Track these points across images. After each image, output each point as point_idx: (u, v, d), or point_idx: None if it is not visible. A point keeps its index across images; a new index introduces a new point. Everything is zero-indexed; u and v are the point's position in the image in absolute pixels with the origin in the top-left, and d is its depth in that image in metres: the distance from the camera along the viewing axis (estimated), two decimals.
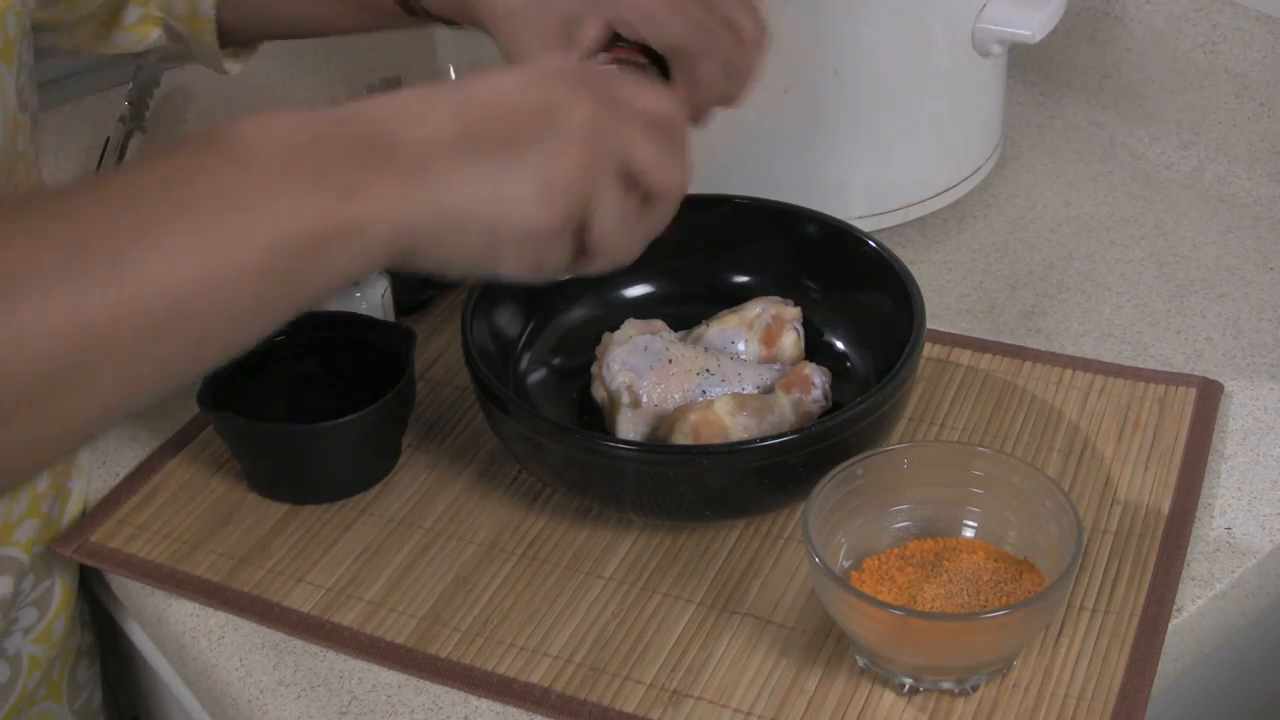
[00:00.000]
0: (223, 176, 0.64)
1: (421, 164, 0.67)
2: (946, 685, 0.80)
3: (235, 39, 1.02)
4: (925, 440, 0.95)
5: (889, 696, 0.80)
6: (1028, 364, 1.01)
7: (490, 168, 0.68)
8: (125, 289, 0.61)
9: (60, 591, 0.96)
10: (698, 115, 0.87)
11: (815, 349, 0.97)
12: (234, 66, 1.05)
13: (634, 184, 0.73)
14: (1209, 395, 0.97)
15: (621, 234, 0.74)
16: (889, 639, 0.78)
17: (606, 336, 0.94)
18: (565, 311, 1.01)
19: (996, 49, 1.10)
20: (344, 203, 0.65)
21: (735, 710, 0.80)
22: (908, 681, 0.80)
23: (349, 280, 0.68)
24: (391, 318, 1.02)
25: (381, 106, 0.68)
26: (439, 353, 1.05)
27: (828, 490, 0.82)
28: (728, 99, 0.87)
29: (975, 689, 0.80)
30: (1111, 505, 0.90)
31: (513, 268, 0.72)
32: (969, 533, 0.85)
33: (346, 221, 0.65)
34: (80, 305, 0.60)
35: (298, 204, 0.64)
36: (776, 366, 0.94)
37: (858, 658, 0.82)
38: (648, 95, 0.74)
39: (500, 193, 0.69)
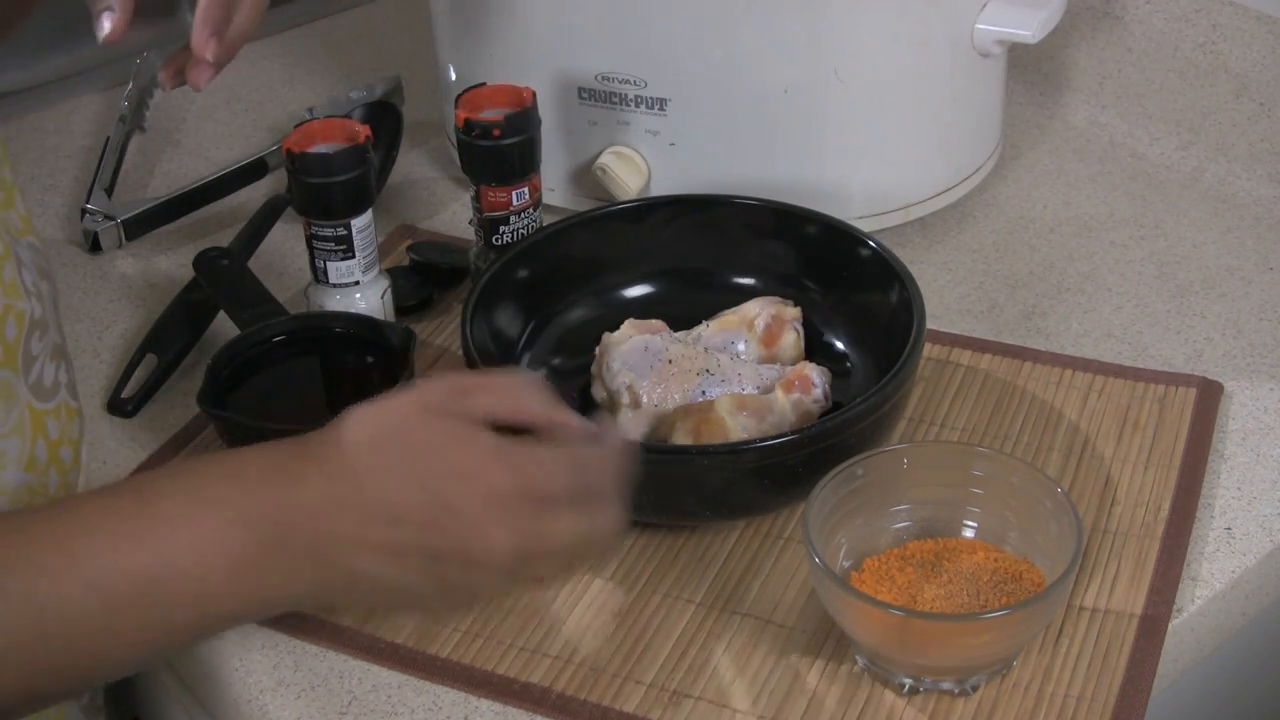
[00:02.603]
0: None
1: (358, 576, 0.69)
2: (946, 685, 0.80)
3: None
4: (925, 440, 0.95)
5: (889, 696, 0.80)
6: (1028, 364, 1.01)
7: (433, 571, 0.70)
8: None
9: None
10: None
11: (815, 349, 0.97)
12: None
13: (568, 504, 0.71)
14: (1209, 395, 0.97)
15: (582, 546, 0.73)
16: (889, 639, 0.78)
17: (606, 336, 0.94)
18: (565, 311, 1.01)
19: (996, 49, 1.10)
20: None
21: (735, 710, 0.80)
22: (908, 681, 0.80)
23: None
24: (391, 318, 1.02)
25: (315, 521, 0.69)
26: (439, 353, 1.05)
27: (828, 490, 0.82)
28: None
29: (975, 689, 0.80)
30: (1111, 505, 0.90)
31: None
32: (969, 533, 0.85)
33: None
34: None
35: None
36: (776, 366, 0.94)
37: (858, 658, 0.82)
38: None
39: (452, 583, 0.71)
